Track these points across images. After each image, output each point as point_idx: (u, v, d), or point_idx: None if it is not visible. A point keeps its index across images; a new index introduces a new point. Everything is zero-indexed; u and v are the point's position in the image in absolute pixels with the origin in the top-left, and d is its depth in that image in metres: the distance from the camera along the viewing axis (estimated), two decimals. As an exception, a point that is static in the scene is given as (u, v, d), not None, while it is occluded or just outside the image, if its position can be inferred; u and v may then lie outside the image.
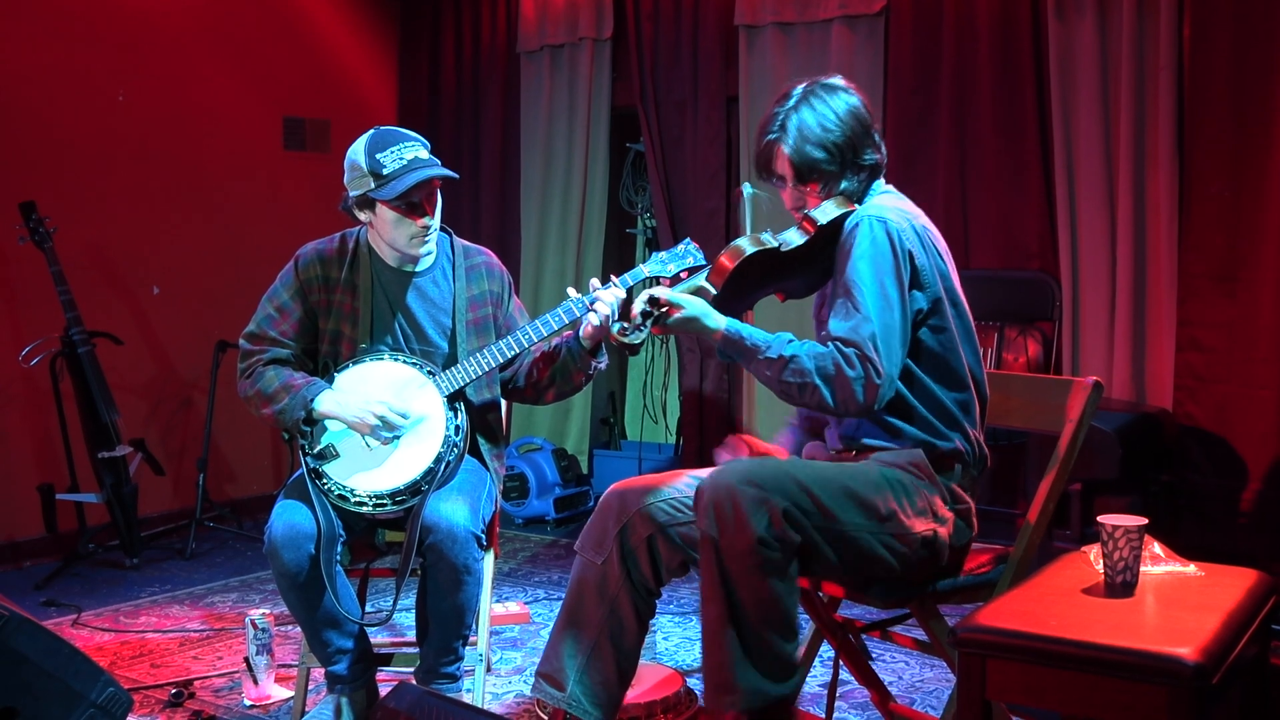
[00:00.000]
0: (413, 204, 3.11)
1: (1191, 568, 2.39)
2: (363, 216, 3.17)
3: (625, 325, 2.51)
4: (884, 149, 2.69)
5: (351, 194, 3.14)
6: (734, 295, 2.59)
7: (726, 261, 2.55)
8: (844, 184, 2.63)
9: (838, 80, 2.67)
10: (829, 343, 2.47)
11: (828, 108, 2.60)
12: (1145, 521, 2.24)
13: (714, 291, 2.55)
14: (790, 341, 2.51)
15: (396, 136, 3.12)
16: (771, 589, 2.37)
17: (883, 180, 2.71)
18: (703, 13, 5.82)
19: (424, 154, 3.12)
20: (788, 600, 2.40)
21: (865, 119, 2.64)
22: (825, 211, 2.59)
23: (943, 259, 2.60)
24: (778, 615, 2.39)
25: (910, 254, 2.52)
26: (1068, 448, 2.62)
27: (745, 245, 2.55)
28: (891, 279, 2.49)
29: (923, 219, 2.63)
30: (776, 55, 5.54)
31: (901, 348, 2.49)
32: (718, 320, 2.54)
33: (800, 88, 2.64)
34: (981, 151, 5.06)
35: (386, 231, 3.15)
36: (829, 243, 2.60)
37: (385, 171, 3.06)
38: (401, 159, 3.08)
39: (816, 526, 2.40)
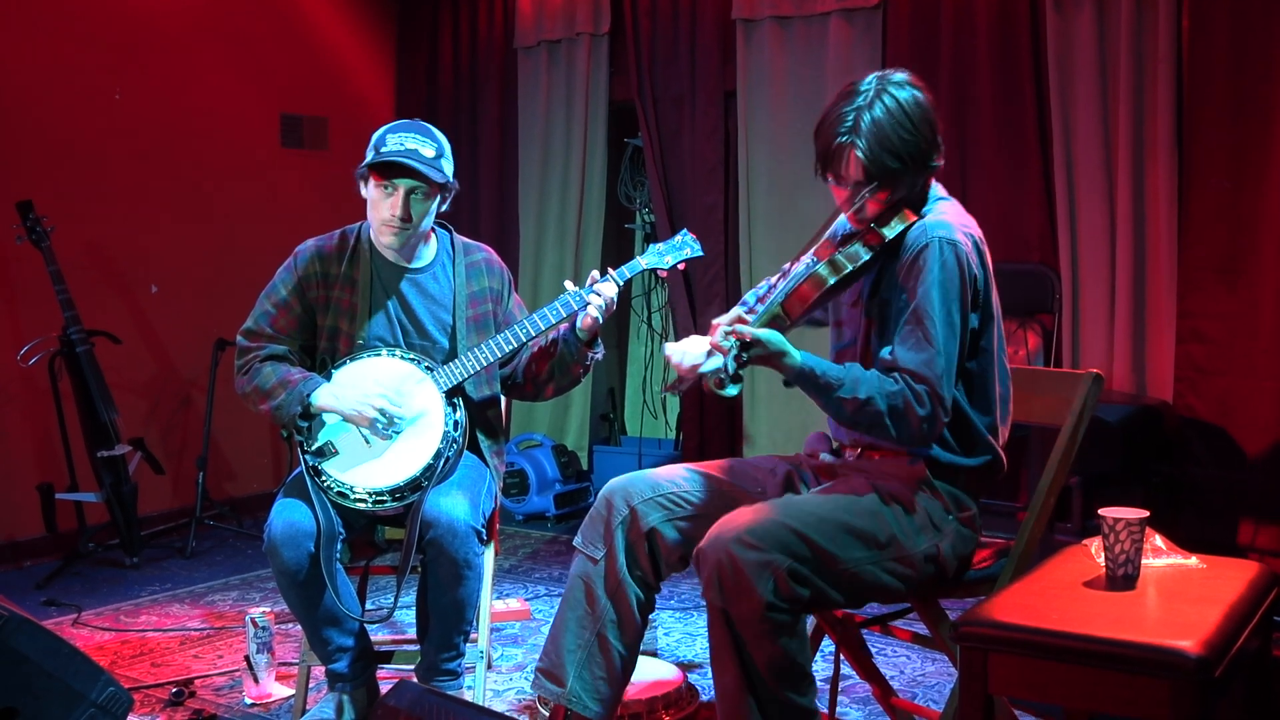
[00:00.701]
0: (389, 188, 3.11)
1: (1193, 560, 2.39)
2: (363, 191, 3.20)
3: (722, 376, 2.39)
4: (943, 150, 2.59)
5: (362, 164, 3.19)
6: (800, 318, 2.55)
7: (810, 292, 2.48)
8: (909, 188, 2.54)
9: (904, 75, 2.56)
10: (896, 375, 2.43)
11: (902, 109, 2.48)
12: (1146, 514, 2.24)
13: (788, 322, 2.47)
14: (860, 379, 2.43)
15: (415, 127, 3.16)
16: (784, 649, 2.35)
17: (937, 184, 2.65)
18: (700, 7, 5.81)
19: (428, 151, 3.12)
20: (800, 656, 2.39)
21: (934, 120, 2.53)
22: (891, 226, 2.51)
23: (989, 272, 2.57)
24: (793, 672, 2.38)
25: (975, 278, 2.49)
26: (1068, 440, 2.61)
27: (827, 275, 2.48)
28: (957, 305, 2.45)
29: (975, 229, 2.57)
30: (774, 49, 5.53)
31: (956, 372, 2.47)
32: (794, 356, 2.45)
33: (871, 83, 2.52)
34: (980, 145, 5.05)
35: (369, 209, 3.18)
36: (883, 256, 2.55)
37: (382, 149, 3.10)
38: (401, 145, 3.10)
39: (818, 572, 2.38)
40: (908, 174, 2.50)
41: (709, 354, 2.45)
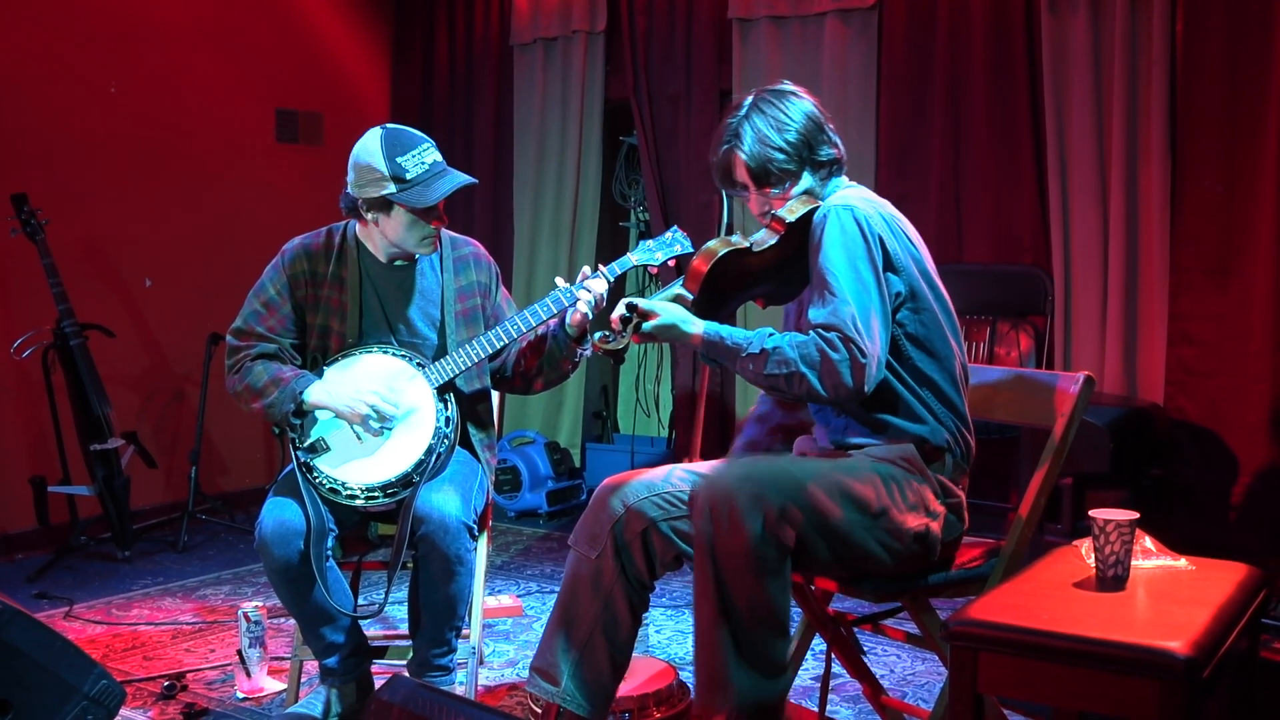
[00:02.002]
0: (430, 208, 3.10)
1: (1182, 562, 2.40)
2: (370, 216, 3.13)
3: (607, 333, 2.52)
4: (840, 146, 2.71)
5: (365, 194, 3.08)
6: (712, 300, 2.60)
7: (700, 265, 2.56)
8: (805, 183, 2.66)
9: (786, 85, 2.70)
10: (810, 330, 2.48)
11: (779, 110, 2.63)
12: (1136, 516, 2.25)
13: (691, 297, 2.56)
14: (771, 335, 2.51)
15: (412, 139, 3.09)
16: (765, 589, 2.38)
17: (844, 177, 2.74)
18: (696, 6, 5.82)
19: (439, 156, 3.11)
20: (781, 600, 2.41)
21: (818, 117, 2.67)
22: (792, 210, 2.62)
23: (915, 246, 2.62)
24: (771, 615, 2.40)
25: (880, 238, 2.54)
26: (1059, 442, 2.63)
27: (717, 247, 2.57)
28: (865, 262, 2.50)
29: (889, 208, 2.65)
30: (770, 49, 5.54)
31: (884, 329, 2.50)
32: (695, 325, 2.55)
33: (750, 97, 2.68)
34: (974, 145, 5.07)
35: (396, 232, 3.12)
36: (802, 246, 2.61)
37: (409, 176, 3.04)
38: (423, 163, 3.06)
39: (811, 523, 2.41)
40: (799, 166, 2.64)
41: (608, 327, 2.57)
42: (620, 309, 2.52)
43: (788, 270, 2.65)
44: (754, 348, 2.50)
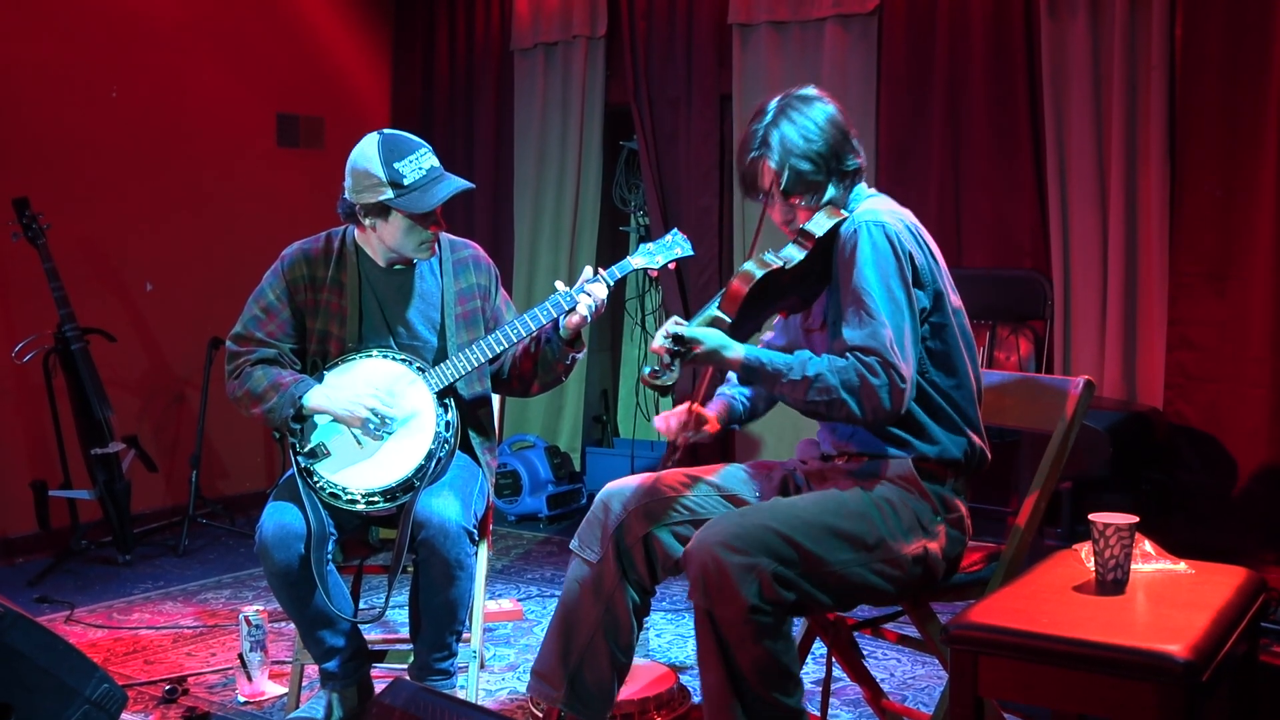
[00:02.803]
0: (427, 213, 3.11)
1: (1182, 566, 2.41)
2: (367, 222, 3.14)
3: (656, 369, 2.48)
4: (863, 153, 2.69)
5: (363, 199, 3.09)
6: (745, 319, 2.59)
7: (739, 288, 2.53)
8: (831, 193, 2.63)
9: (811, 90, 2.67)
10: (847, 353, 2.46)
11: (807, 119, 2.60)
12: (1136, 520, 2.26)
13: (729, 320, 2.53)
14: (809, 360, 2.49)
15: (409, 144, 3.09)
16: (768, 651, 2.37)
17: (864, 184, 2.72)
18: (696, 11, 5.82)
19: (436, 161, 3.11)
20: (786, 658, 2.40)
21: (843, 125, 2.64)
22: (819, 224, 2.60)
23: (936, 258, 2.61)
24: (777, 674, 2.39)
25: (910, 254, 2.53)
26: (1059, 446, 2.63)
27: (754, 269, 2.54)
28: (897, 280, 2.49)
29: (911, 218, 2.64)
30: (770, 54, 5.55)
31: (914, 348, 2.49)
32: (737, 350, 2.52)
33: (775, 102, 2.64)
34: (974, 150, 5.08)
35: (394, 238, 3.13)
36: (825, 256, 2.61)
37: (406, 181, 3.04)
38: (421, 168, 3.06)
39: (805, 575, 2.40)
40: (826, 177, 2.61)
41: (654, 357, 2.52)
42: (664, 340, 2.47)
43: (809, 280, 2.64)
44: (795, 374, 2.47)
